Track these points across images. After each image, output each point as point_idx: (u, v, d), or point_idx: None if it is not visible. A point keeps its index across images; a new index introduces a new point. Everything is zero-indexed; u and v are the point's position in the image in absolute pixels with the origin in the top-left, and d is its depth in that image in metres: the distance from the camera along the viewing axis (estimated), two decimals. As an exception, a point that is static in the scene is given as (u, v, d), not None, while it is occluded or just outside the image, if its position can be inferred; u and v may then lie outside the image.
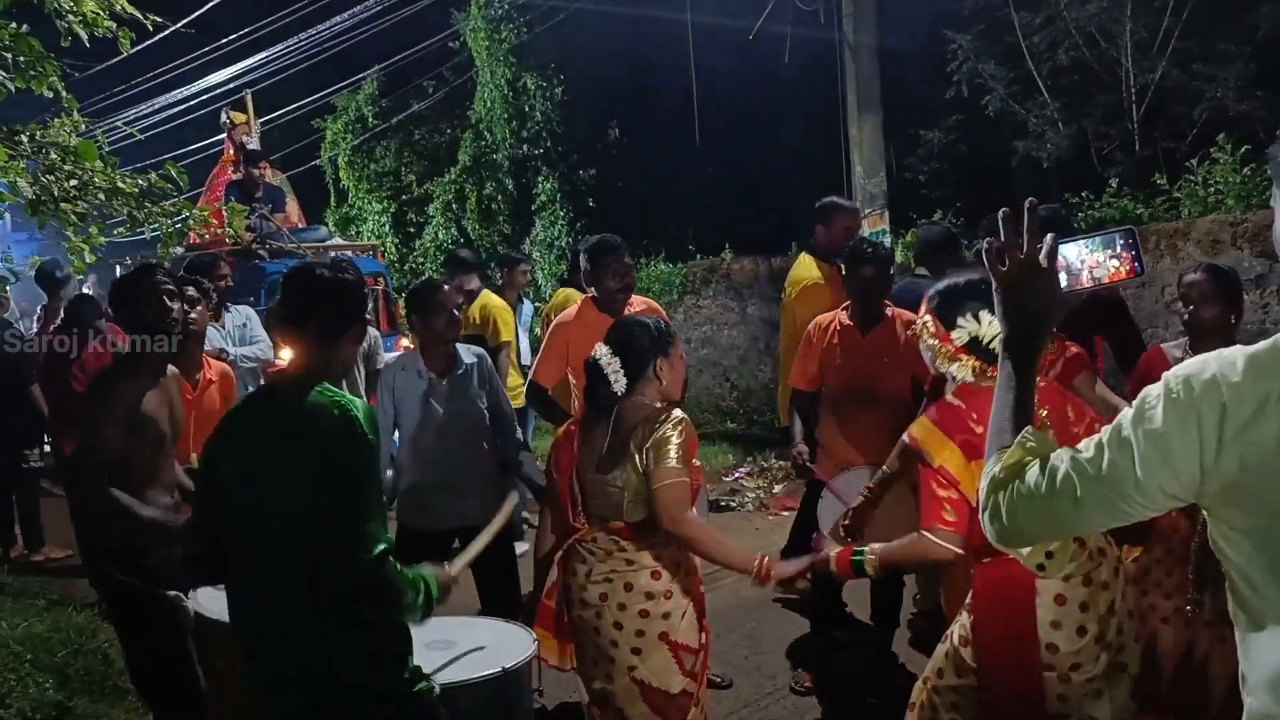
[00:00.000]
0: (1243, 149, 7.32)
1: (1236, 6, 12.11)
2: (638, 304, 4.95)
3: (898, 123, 11.43)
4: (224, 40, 17.93)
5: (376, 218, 18.85)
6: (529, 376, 5.07)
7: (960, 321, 2.99)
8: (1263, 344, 1.43)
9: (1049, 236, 1.61)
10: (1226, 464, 1.41)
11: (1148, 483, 1.47)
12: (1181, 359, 3.94)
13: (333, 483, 2.47)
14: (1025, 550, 1.66)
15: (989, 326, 2.94)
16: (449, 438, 4.58)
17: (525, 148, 16.18)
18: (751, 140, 14.32)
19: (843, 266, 4.85)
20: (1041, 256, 1.59)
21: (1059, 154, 11.91)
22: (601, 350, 3.43)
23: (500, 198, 16.72)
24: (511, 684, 3.14)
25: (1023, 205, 1.61)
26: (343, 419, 2.49)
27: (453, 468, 4.55)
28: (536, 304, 10.20)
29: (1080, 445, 1.56)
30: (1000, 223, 1.62)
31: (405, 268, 18.04)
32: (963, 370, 2.99)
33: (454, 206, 17.49)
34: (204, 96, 18.89)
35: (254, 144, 11.84)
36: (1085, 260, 1.63)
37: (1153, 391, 1.48)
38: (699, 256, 13.15)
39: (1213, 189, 7.19)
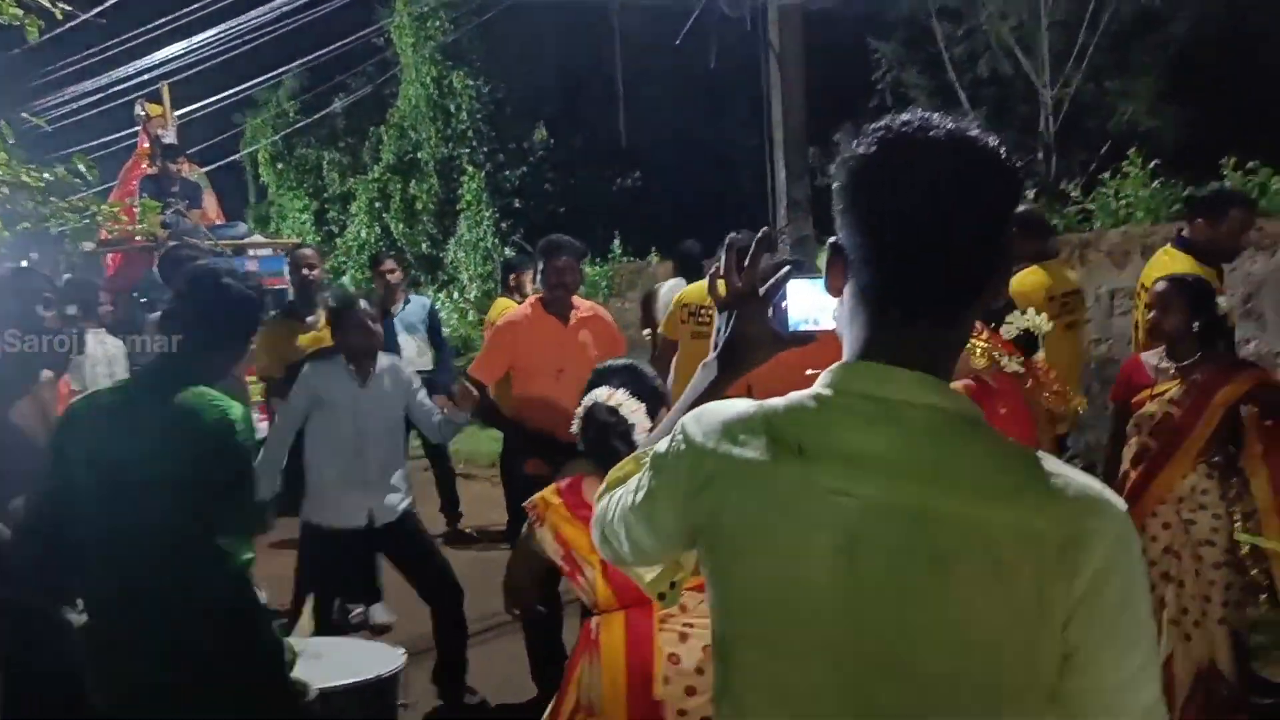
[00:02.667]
0: (1153, 163, 7.54)
1: (1148, 25, 12.50)
2: (584, 308, 4.99)
3: (822, 129, 11.58)
4: (139, 30, 17.47)
5: (297, 215, 18.56)
6: (468, 370, 5.05)
7: (1009, 319, 3.21)
8: (752, 406, 1.32)
9: (784, 270, 1.55)
10: (691, 518, 1.34)
11: (660, 523, 1.40)
12: (1157, 365, 4.06)
13: (205, 487, 2.42)
14: (645, 576, 1.55)
15: (1038, 319, 3.14)
16: (365, 437, 4.64)
17: (450, 147, 16.05)
18: (678, 144, 14.39)
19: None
20: (762, 289, 1.52)
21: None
22: (620, 396, 2.97)
23: (425, 197, 16.55)
24: (384, 692, 3.26)
25: (607, 236, 1.59)
26: (221, 422, 2.44)
27: (366, 467, 4.61)
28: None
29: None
30: (724, 249, 1.56)
31: (328, 266, 17.77)
32: (1012, 363, 3.15)
33: (377, 205, 17.29)
34: (118, 88, 18.38)
35: (170, 138, 11.52)
36: (819, 299, 1.49)
37: (675, 429, 1.38)
38: (625, 259, 13.16)
39: (1124, 201, 7.40)
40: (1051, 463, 1.21)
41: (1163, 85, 12.57)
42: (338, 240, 18.12)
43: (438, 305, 14.67)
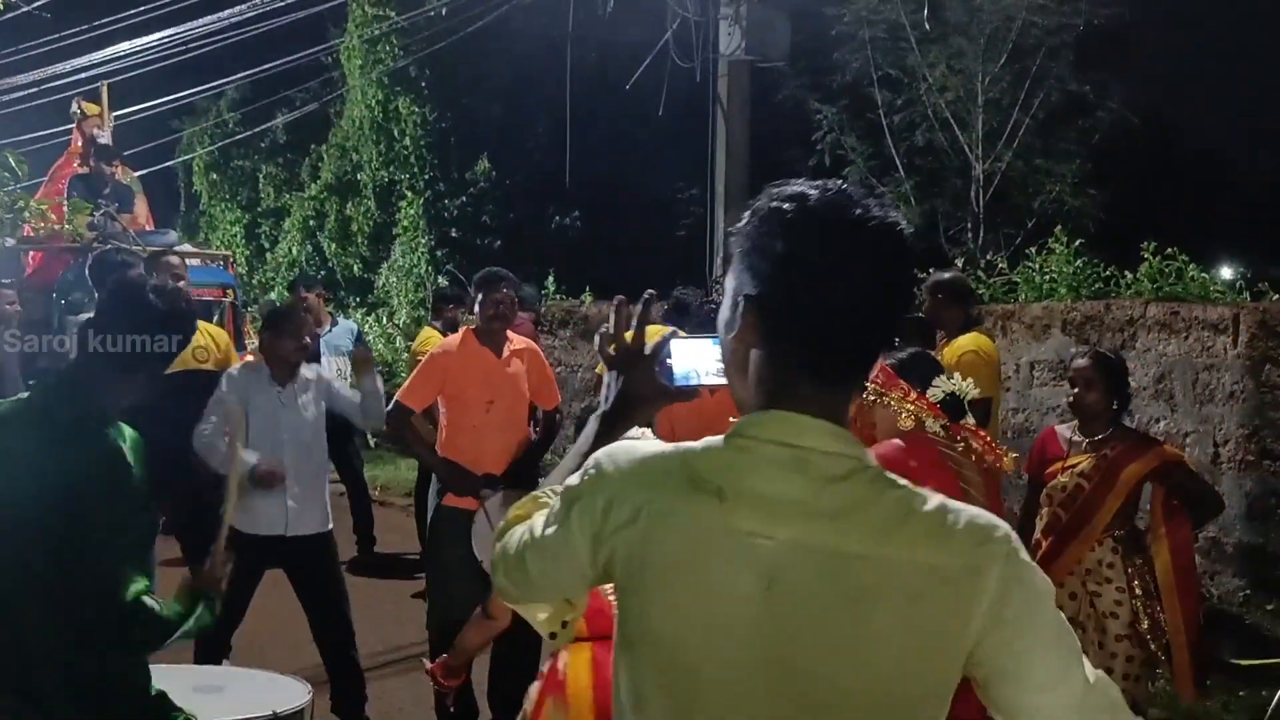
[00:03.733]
0: (1077, 242, 7.82)
1: (1076, 110, 13.00)
2: (517, 341, 4.99)
3: (764, 183, 11.76)
4: (83, 27, 17.12)
5: (228, 227, 18.26)
6: (396, 396, 5.01)
7: (936, 382, 3.32)
8: (669, 448, 1.39)
9: (668, 331, 1.67)
10: (604, 556, 1.39)
11: (571, 557, 1.44)
12: (1070, 438, 4.19)
13: (89, 517, 2.30)
14: (538, 615, 1.59)
15: (964, 384, 3.30)
16: (283, 446, 4.69)
17: (391, 171, 15.97)
18: (620, 187, 14.51)
19: None
20: (648, 349, 1.62)
21: (910, 230, 12.44)
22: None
23: (361, 219, 16.42)
24: None
25: (543, 271, 1.69)
26: (109, 450, 2.34)
27: (285, 475, 4.62)
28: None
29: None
30: (612, 311, 1.67)
31: (254, 281, 17.49)
32: (934, 425, 3.25)
33: (311, 223, 17.10)
34: (55, 83, 17.96)
35: (105, 138, 11.30)
36: (704, 357, 1.62)
37: (588, 465, 1.45)
38: (558, 297, 13.19)
39: (1048, 276, 7.65)
40: (940, 501, 1.31)
41: (1088, 169, 13.05)
42: (268, 255, 17.85)
43: (365, 329, 14.54)
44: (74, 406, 2.40)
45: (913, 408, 3.35)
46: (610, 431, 1.60)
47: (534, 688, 2.78)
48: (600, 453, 1.43)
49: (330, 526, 4.84)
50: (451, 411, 4.87)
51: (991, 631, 1.28)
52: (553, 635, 1.63)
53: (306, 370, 4.90)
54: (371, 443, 11.80)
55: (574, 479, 1.44)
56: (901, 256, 1.35)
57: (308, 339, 4.88)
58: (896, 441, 3.25)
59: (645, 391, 1.62)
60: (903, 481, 1.33)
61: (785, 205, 1.34)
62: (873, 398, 3.39)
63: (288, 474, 4.63)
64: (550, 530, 1.44)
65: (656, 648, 1.34)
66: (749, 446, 1.32)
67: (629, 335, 1.64)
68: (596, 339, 1.68)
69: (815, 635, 1.27)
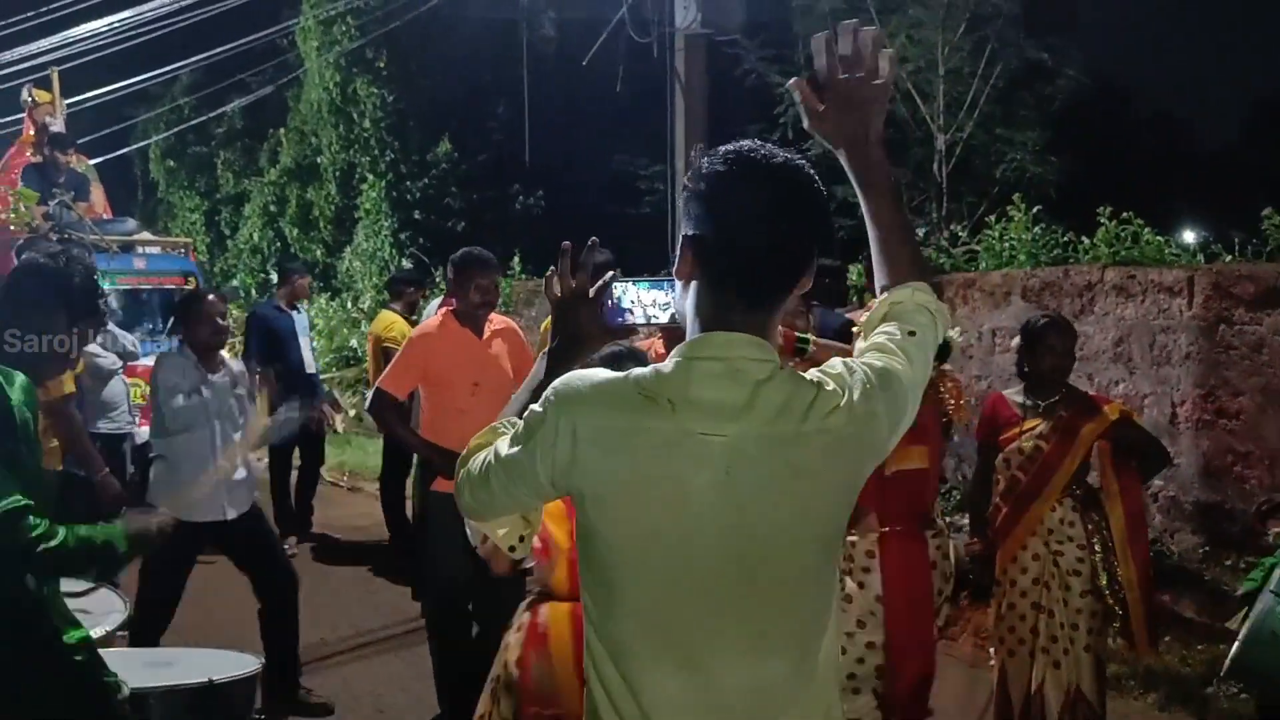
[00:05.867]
0: (1035, 209, 7.86)
1: (1035, 78, 13.07)
2: (496, 320, 4.86)
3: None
4: (31, 13, 16.81)
5: (188, 214, 18.05)
6: (376, 383, 4.94)
7: (950, 331, 3.46)
8: (620, 374, 1.60)
9: (609, 274, 1.87)
10: (576, 476, 1.60)
11: (531, 476, 1.64)
12: (1022, 403, 4.23)
13: None
14: (498, 531, 1.86)
15: (953, 331, 3.43)
16: (215, 429, 4.67)
17: (352, 153, 15.83)
18: (582, 165, 14.45)
19: None
20: (591, 290, 1.84)
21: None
22: None
23: (322, 204, 16.28)
24: (219, 700, 3.01)
25: (583, 243, 1.90)
26: None
27: (214, 462, 4.59)
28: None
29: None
30: (559, 255, 1.86)
31: (216, 269, 17.33)
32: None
33: (272, 209, 16.93)
34: (4, 71, 17.65)
35: (58, 126, 11.11)
36: (640, 299, 1.85)
37: (547, 393, 1.63)
38: (523, 277, 13.15)
39: (1008, 244, 7.69)
40: (834, 381, 1.61)
41: (1047, 136, 13.13)
42: (229, 242, 17.67)
43: (330, 315, 14.45)
44: None
45: None
46: (558, 367, 1.79)
47: (513, 638, 2.81)
48: (558, 381, 1.63)
49: (254, 499, 4.83)
50: (436, 396, 4.71)
51: (893, 440, 1.67)
52: (511, 549, 1.89)
53: (230, 361, 4.89)
54: (339, 428, 11.75)
55: (536, 405, 1.63)
56: (808, 197, 1.60)
57: (225, 322, 4.79)
58: None
59: (589, 330, 1.85)
60: (806, 374, 1.61)
61: (714, 160, 1.61)
62: None
63: (214, 461, 4.60)
64: (514, 451, 1.65)
65: (626, 542, 1.58)
66: (690, 364, 1.57)
67: (574, 279, 1.85)
68: (545, 282, 1.89)
69: (768, 503, 1.56)
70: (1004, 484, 4.23)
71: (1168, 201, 14.48)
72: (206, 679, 2.94)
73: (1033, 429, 4.17)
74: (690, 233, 1.62)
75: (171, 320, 8.94)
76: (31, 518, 2.32)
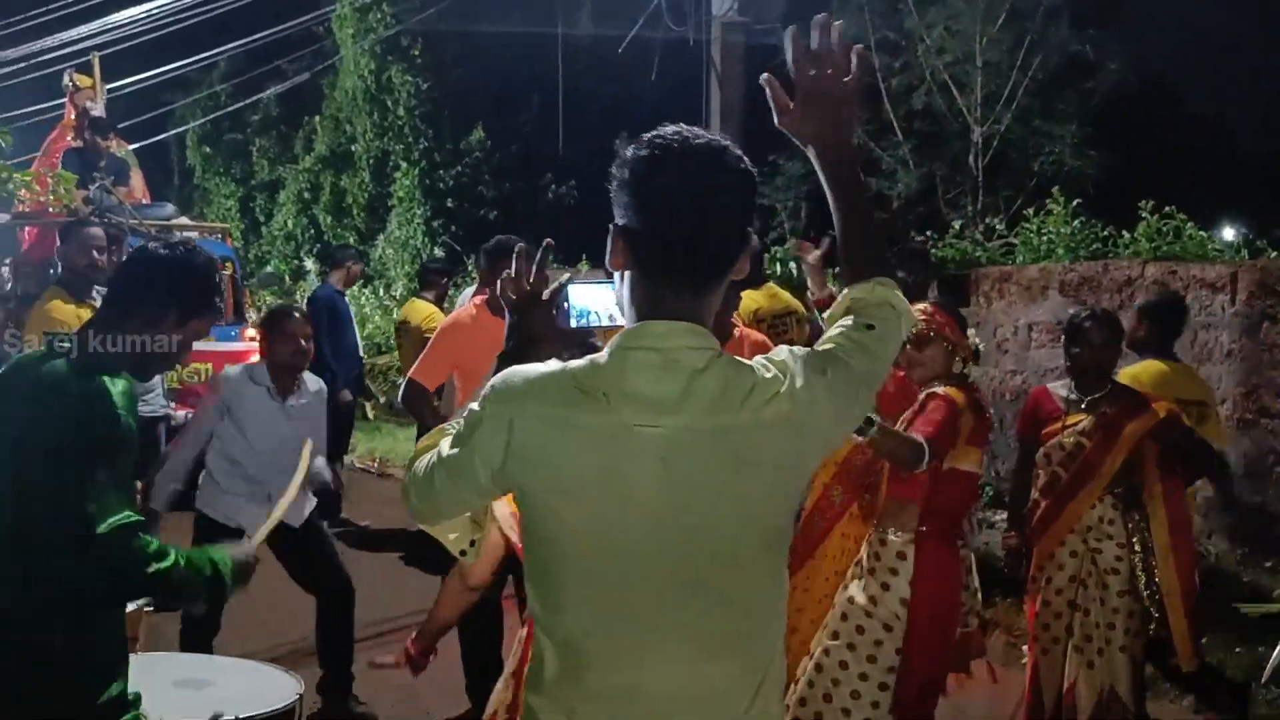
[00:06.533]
0: (1075, 202, 7.76)
1: (1075, 73, 12.91)
2: None
3: (759, 150, 11.72)
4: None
5: (223, 200, 18.18)
6: (408, 373, 4.93)
7: (970, 332, 3.59)
8: (556, 367, 1.59)
9: (565, 276, 1.90)
10: (506, 469, 1.58)
11: (472, 473, 1.62)
12: (1066, 397, 4.16)
13: (54, 454, 2.17)
14: (449, 536, 1.85)
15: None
16: (273, 458, 4.39)
17: (386, 141, 15.88)
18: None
19: None
20: (545, 292, 1.84)
21: (908, 193, 12.44)
22: None
23: (356, 191, 16.35)
24: None
25: (538, 244, 1.90)
26: (89, 390, 2.19)
27: (270, 484, 4.32)
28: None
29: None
30: (514, 256, 1.87)
31: (250, 255, 17.44)
32: (974, 372, 3.59)
33: (306, 196, 17.02)
34: (46, 56, 17.83)
35: (99, 110, 11.19)
36: (600, 300, 1.84)
37: (485, 389, 1.63)
38: (554, 266, 13.13)
39: (1046, 238, 7.61)
40: (775, 370, 1.57)
41: (1087, 130, 12.98)
42: (263, 229, 17.79)
43: (363, 302, 14.51)
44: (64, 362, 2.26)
45: (963, 354, 3.59)
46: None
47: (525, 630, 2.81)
48: (496, 378, 1.62)
49: (312, 508, 4.60)
50: (468, 386, 4.69)
51: (838, 432, 1.67)
52: (462, 553, 1.87)
53: (312, 382, 4.65)
54: (370, 415, 11.80)
55: (474, 404, 1.62)
56: (733, 179, 1.56)
57: (308, 345, 4.53)
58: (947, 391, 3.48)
59: (542, 332, 1.83)
60: (745, 360, 1.58)
61: (638, 146, 1.57)
62: (931, 332, 3.53)
63: (275, 483, 4.20)
64: (455, 450, 1.63)
65: (568, 536, 1.56)
66: (625, 355, 1.54)
67: (529, 281, 1.85)
68: (499, 284, 1.86)
69: (705, 495, 1.53)
70: (1044, 479, 4.16)
71: (1210, 200, 14.25)
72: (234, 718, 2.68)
73: (1075, 425, 4.10)
74: (619, 222, 1.59)
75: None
76: (143, 535, 2.21)
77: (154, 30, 16.71)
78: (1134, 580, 3.99)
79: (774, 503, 1.60)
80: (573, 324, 1.85)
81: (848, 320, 1.68)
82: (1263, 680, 4.24)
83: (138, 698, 2.41)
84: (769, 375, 1.56)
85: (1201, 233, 6.63)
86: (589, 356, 1.57)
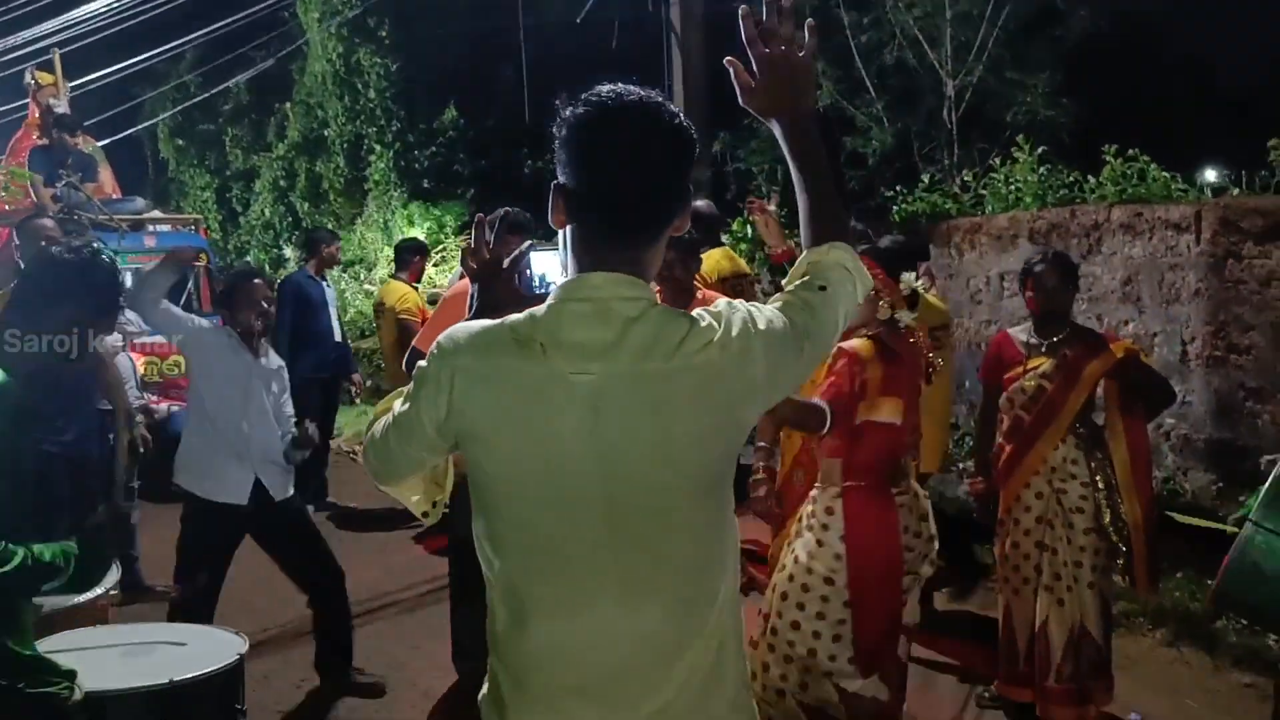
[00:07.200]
0: (1040, 149, 7.75)
1: (1045, 19, 12.83)
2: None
3: (728, 113, 11.65)
4: (32, -3, 16.77)
5: (199, 192, 18.08)
6: (412, 343, 4.98)
7: (903, 276, 3.48)
8: (497, 321, 1.63)
9: (526, 244, 1.96)
10: (455, 421, 1.63)
11: (420, 428, 1.67)
12: (1026, 341, 4.19)
13: None
14: (410, 497, 1.88)
15: (910, 278, 3.50)
16: (251, 412, 4.54)
17: (359, 124, 15.78)
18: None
19: None
20: (506, 261, 1.91)
21: (884, 150, 12.39)
22: None
23: (331, 176, 16.26)
24: (187, 699, 2.79)
25: (495, 213, 1.90)
26: None
27: (249, 442, 4.51)
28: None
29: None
30: (474, 226, 1.92)
31: (229, 245, 17.37)
32: (905, 316, 3.48)
33: (282, 183, 16.92)
34: (7, 56, 17.67)
35: (62, 107, 11.14)
36: (558, 267, 1.85)
37: (431, 348, 1.67)
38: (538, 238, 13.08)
39: (1014, 187, 7.60)
40: (710, 319, 1.60)
41: (1059, 78, 12.92)
42: (241, 218, 17.70)
43: (344, 286, 14.48)
44: None
45: (889, 299, 3.46)
46: None
47: None
48: (441, 335, 1.66)
49: (291, 485, 4.69)
50: None
51: (777, 383, 1.66)
52: (425, 514, 1.89)
53: (274, 355, 4.75)
54: (354, 399, 11.81)
55: (422, 361, 1.67)
56: (667, 134, 1.60)
57: (265, 304, 4.61)
58: (876, 331, 3.46)
59: (504, 299, 1.88)
60: (680, 311, 1.62)
61: (574, 105, 1.61)
62: None
63: (253, 441, 4.50)
64: (405, 407, 1.69)
65: (506, 484, 1.60)
66: (561, 306, 1.59)
67: (488, 250, 1.90)
68: (460, 253, 1.85)
69: (634, 442, 1.55)
70: (1008, 423, 4.20)
71: (1191, 142, 14.20)
72: (167, 680, 2.74)
73: (1036, 368, 4.13)
74: (558, 180, 1.63)
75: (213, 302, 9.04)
76: None
77: (117, 24, 16.56)
78: (1099, 518, 4.04)
79: (704, 450, 1.61)
80: (536, 291, 1.89)
81: (801, 281, 1.73)
82: (1205, 605, 4.29)
83: (72, 673, 2.45)
84: (702, 324, 1.59)
85: (1165, 174, 6.61)
86: (528, 310, 1.61)
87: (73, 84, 12.65)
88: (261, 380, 4.59)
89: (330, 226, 15.72)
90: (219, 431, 4.48)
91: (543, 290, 1.87)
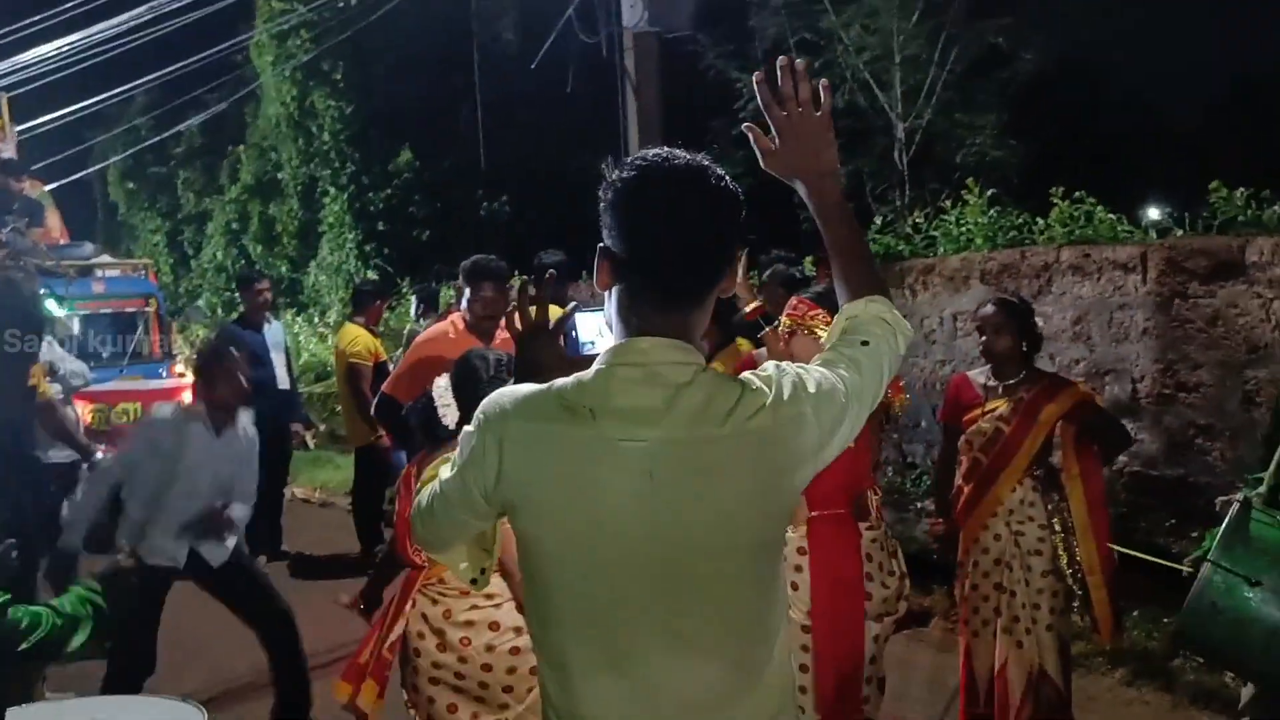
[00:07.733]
0: (990, 191, 7.87)
1: (992, 62, 13.12)
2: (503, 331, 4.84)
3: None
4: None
5: (150, 236, 17.88)
6: (382, 389, 4.91)
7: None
8: (542, 386, 1.62)
9: (571, 306, 1.98)
10: (504, 489, 1.61)
11: (468, 495, 1.66)
12: (985, 384, 4.22)
13: None
14: (458, 564, 1.84)
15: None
16: (203, 491, 4.41)
17: (313, 167, 15.71)
18: (542, 168, 14.39)
19: None
20: (552, 325, 1.90)
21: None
22: (439, 384, 3.33)
23: (285, 219, 16.16)
24: None
25: (542, 274, 1.96)
26: None
27: (188, 520, 4.37)
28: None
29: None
30: (518, 290, 1.93)
31: (181, 289, 17.17)
32: None
33: (235, 227, 16.79)
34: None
35: (9, 152, 10.99)
36: (602, 328, 1.91)
37: (476, 415, 1.65)
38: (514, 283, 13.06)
39: (965, 228, 7.70)
40: (760, 384, 1.60)
41: (1006, 119, 13.19)
42: (193, 262, 17.51)
43: (297, 330, 14.35)
44: None
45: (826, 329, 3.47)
46: None
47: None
48: (486, 400, 1.65)
49: (232, 548, 4.53)
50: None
51: (829, 446, 1.65)
52: (473, 581, 1.85)
53: (245, 419, 4.59)
54: (311, 444, 11.66)
55: (469, 426, 1.66)
56: (714, 197, 1.60)
57: (245, 381, 4.49)
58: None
59: (546, 360, 1.87)
60: (730, 376, 1.62)
61: (622, 169, 1.61)
62: (789, 329, 3.48)
63: (195, 512, 4.36)
64: (451, 476, 1.68)
65: (556, 547, 1.59)
66: (610, 371, 1.58)
67: (533, 312, 1.89)
68: (506, 317, 1.92)
69: (688, 508, 1.55)
70: (966, 465, 4.22)
71: (1136, 181, 14.52)
72: None
73: (994, 410, 4.16)
74: (604, 243, 1.63)
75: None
76: (12, 611, 2.17)
77: (66, 68, 16.39)
78: (1056, 560, 4.06)
79: (758, 516, 1.61)
80: (580, 351, 1.93)
81: (842, 339, 1.75)
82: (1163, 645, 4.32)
83: None
84: (753, 389, 1.59)
85: (1111, 215, 6.74)
86: (575, 374, 1.60)
87: (21, 128, 12.49)
88: (223, 457, 4.45)
89: (284, 269, 15.64)
90: (158, 505, 4.34)
91: (587, 351, 1.92)
